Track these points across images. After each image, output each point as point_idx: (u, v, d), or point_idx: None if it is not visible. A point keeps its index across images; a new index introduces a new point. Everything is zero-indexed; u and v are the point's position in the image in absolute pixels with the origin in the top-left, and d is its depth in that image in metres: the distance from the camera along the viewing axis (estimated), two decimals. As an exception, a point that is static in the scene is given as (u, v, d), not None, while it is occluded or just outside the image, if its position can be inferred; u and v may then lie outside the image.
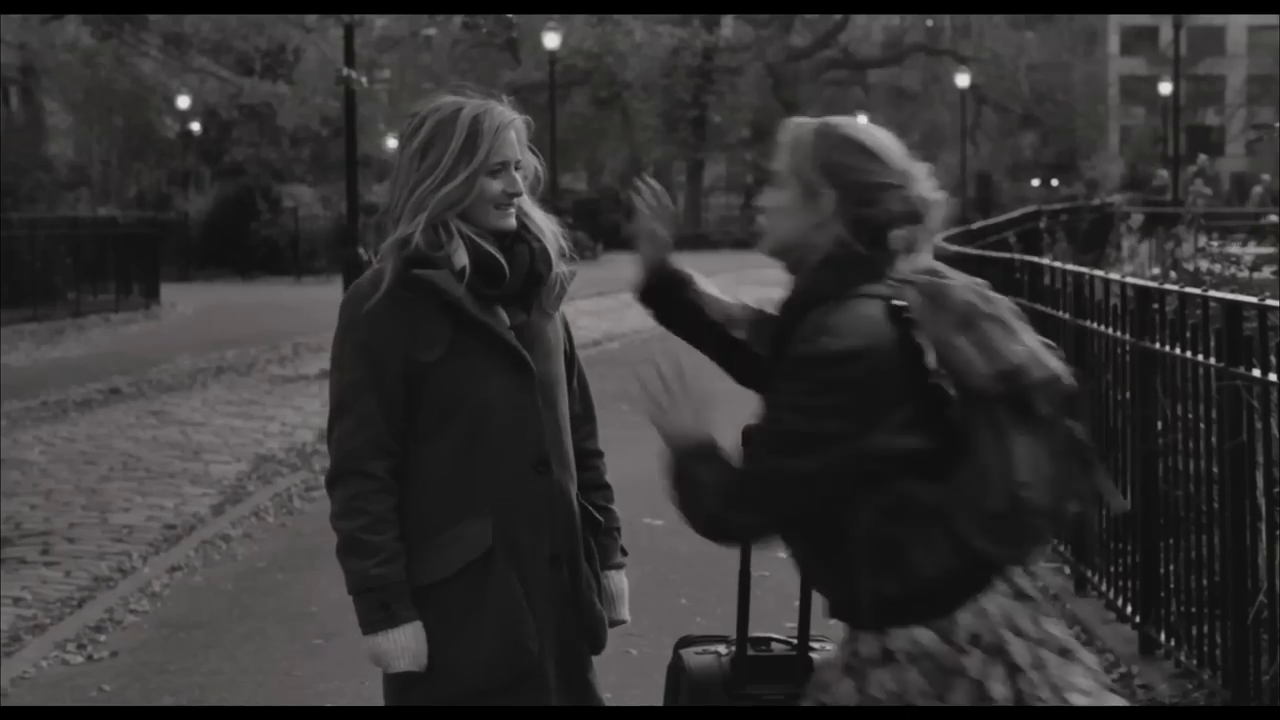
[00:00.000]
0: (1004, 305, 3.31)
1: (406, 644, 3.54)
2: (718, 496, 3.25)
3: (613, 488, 3.89)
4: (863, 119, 3.45)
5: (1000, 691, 3.19)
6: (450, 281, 3.54)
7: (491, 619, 3.54)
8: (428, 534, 3.58)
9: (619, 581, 3.88)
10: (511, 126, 3.68)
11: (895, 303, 3.25)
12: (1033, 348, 3.26)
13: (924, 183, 3.36)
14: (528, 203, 3.70)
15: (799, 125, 3.40)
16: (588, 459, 3.82)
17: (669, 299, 3.69)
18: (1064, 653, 3.29)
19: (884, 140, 3.36)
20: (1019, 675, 3.22)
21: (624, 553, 3.92)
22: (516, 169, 3.66)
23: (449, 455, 3.57)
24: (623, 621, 3.91)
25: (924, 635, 3.22)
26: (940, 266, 3.36)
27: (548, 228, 3.72)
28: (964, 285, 3.29)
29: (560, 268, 3.70)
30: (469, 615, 3.53)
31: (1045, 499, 3.22)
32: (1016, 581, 3.29)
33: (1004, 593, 3.27)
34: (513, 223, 3.65)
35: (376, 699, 6.95)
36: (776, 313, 3.34)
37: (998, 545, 3.22)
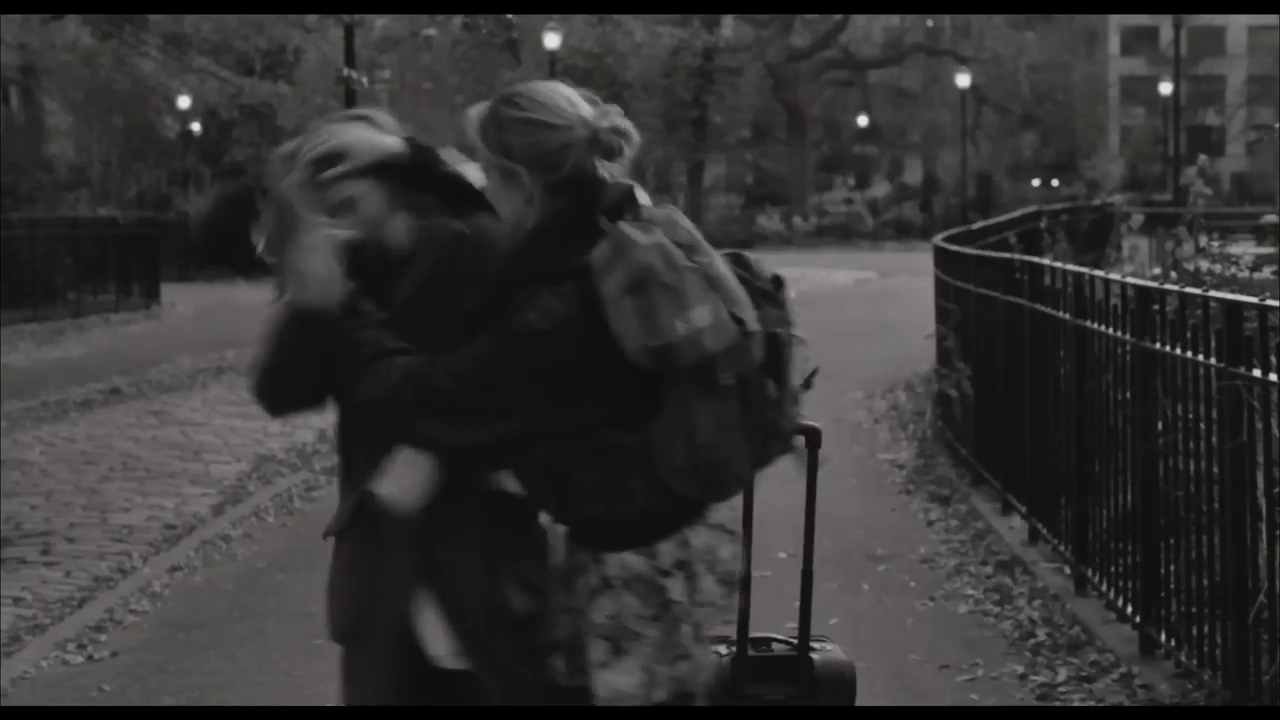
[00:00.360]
0: (691, 272, 3.37)
1: None
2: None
3: None
4: (623, 113, 3.53)
5: (702, 617, 3.53)
6: None
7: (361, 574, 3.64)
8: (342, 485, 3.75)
9: None
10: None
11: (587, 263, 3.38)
12: (710, 318, 3.34)
13: (606, 119, 3.46)
14: None
15: (474, 114, 3.53)
16: None
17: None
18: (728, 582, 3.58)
19: (550, 97, 3.46)
20: (700, 607, 3.52)
21: None
22: None
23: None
24: None
25: (632, 560, 3.46)
26: (671, 211, 3.48)
27: None
28: (654, 245, 3.36)
29: None
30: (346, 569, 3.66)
31: (730, 453, 3.43)
32: (716, 518, 3.55)
33: (709, 525, 3.54)
34: None
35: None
36: (496, 280, 3.44)
37: (690, 489, 3.44)
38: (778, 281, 3.60)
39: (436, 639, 3.57)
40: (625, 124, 3.47)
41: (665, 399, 3.39)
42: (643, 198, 3.49)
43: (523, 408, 3.40)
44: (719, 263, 3.44)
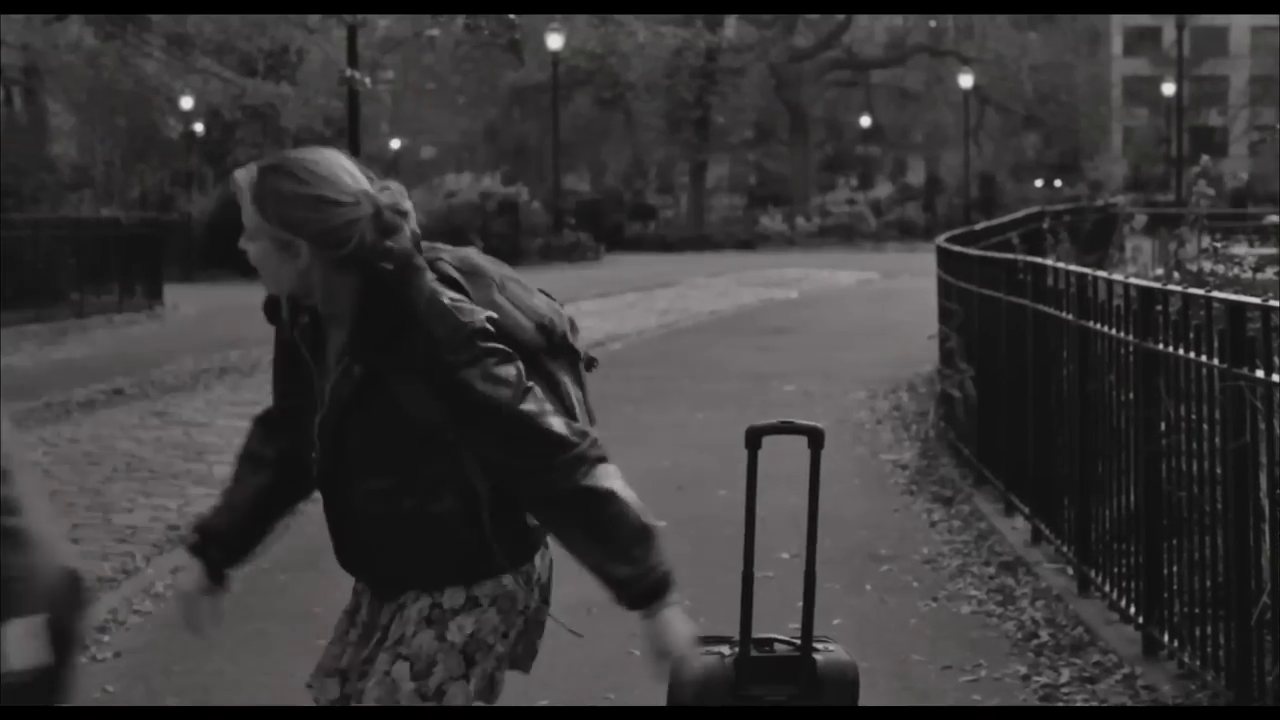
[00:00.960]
0: (507, 267, 3.65)
1: None
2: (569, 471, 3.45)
3: (15, 534, 3.34)
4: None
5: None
6: None
7: None
8: None
9: (11, 633, 3.29)
10: None
11: (454, 279, 3.50)
12: (546, 300, 3.63)
13: (386, 197, 3.42)
14: None
15: (245, 176, 3.45)
16: None
17: (230, 544, 3.95)
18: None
19: (330, 174, 3.40)
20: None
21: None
22: None
23: None
24: (11, 671, 3.34)
25: (509, 580, 3.55)
26: (439, 245, 3.60)
27: None
28: (476, 254, 3.60)
29: None
30: None
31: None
32: None
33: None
34: None
35: (380, 700, 6.89)
36: (358, 342, 3.43)
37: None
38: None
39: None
40: (407, 204, 3.44)
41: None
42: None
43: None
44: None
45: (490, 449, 3.44)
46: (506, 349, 3.42)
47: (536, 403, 3.42)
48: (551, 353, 3.58)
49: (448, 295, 3.41)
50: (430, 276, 3.43)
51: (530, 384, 3.44)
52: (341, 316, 3.47)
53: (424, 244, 3.51)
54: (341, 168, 3.42)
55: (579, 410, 3.59)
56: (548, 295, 3.65)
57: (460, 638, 3.52)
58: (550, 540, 3.63)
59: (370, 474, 3.51)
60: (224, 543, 3.89)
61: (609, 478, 3.45)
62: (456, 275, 3.49)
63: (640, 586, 3.45)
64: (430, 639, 3.51)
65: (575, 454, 3.41)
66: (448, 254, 3.54)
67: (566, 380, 3.60)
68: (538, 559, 3.63)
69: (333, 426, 3.51)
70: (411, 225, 3.44)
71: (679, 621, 3.46)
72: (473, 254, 3.57)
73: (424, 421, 3.41)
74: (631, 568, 3.44)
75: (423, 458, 3.47)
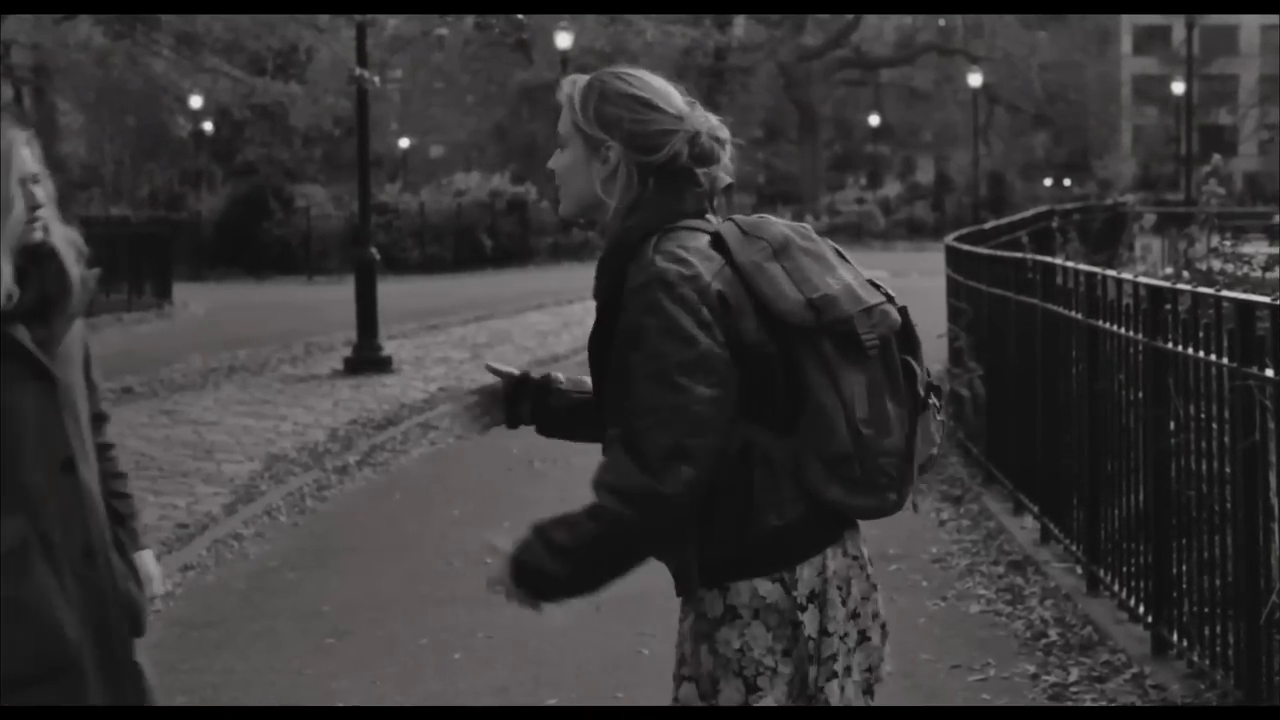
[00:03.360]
0: (826, 245, 3.32)
1: None
2: (630, 490, 3.11)
3: (127, 475, 4.11)
4: (716, 119, 3.46)
5: (839, 652, 3.24)
6: None
7: (31, 612, 3.63)
8: None
9: (149, 561, 4.06)
10: (25, 142, 3.82)
11: (717, 231, 3.27)
12: (850, 282, 3.25)
13: (706, 123, 3.35)
14: (50, 214, 3.79)
15: (573, 82, 3.41)
16: (103, 452, 4.01)
17: (546, 409, 3.66)
18: (876, 618, 3.35)
19: (658, 87, 3.37)
20: (826, 639, 3.23)
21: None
22: (36, 183, 3.78)
23: None
24: (157, 596, 4.07)
25: (765, 587, 3.21)
26: (760, 217, 3.37)
27: (63, 237, 3.82)
28: (781, 221, 3.33)
29: (78, 271, 3.80)
30: (8, 608, 3.61)
31: (890, 438, 3.23)
32: (853, 541, 3.32)
33: (844, 552, 3.29)
34: (39, 236, 3.75)
35: (388, 698, 6.96)
36: (601, 262, 3.30)
37: (850, 494, 3.21)
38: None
39: None
40: (725, 133, 3.37)
41: (809, 380, 3.19)
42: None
43: (719, 352, 3.17)
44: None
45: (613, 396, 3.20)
46: (686, 314, 3.12)
47: (672, 393, 3.09)
48: (837, 342, 3.20)
49: (676, 240, 3.23)
50: (696, 224, 3.27)
51: (693, 371, 3.10)
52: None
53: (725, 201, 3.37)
54: (672, 89, 3.38)
55: (865, 411, 3.19)
56: (875, 284, 3.31)
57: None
58: None
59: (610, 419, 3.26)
60: (549, 407, 3.67)
61: (626, 522, 3.12)
62: (728, 232, 3.25)
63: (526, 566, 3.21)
64: None
65: (638, 482, 3.09)
66: (743, 217, 3.32)
67: (854, 376, 3.19)
68: None
69: (594, 372, 3.34)
70: (725, 158, 3.35)
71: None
72: (770, 220, 3.31)
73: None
74: (545, 550, 3.19)
75: None
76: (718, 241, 3.25)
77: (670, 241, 3.23)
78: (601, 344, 3.27)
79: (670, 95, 3.36)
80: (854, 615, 3.30)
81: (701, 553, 3.21)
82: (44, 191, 3.80)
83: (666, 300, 3.14)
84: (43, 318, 3.75)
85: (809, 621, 3.22)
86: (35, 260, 3.73)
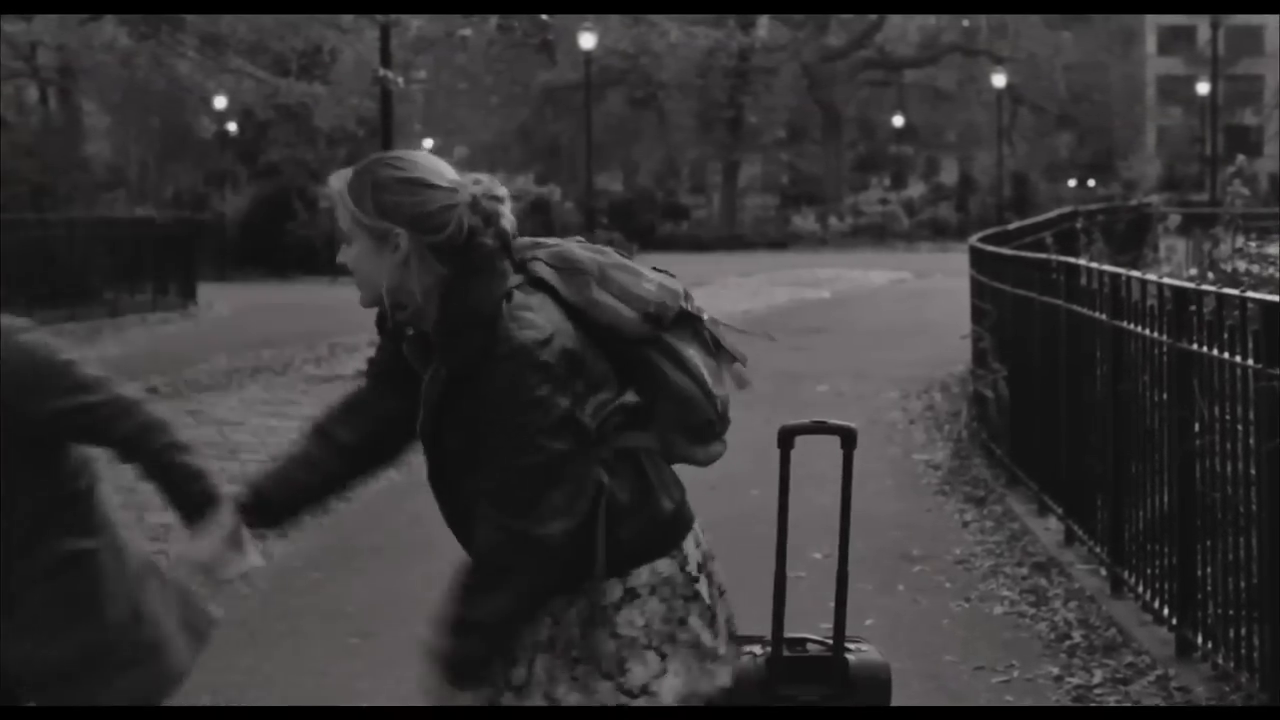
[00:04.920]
0: (615, 253, 3.52)
1: None
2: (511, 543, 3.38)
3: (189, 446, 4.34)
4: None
5: (724, 613, 3.53)
6: None
7: None
8: None
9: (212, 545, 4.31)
10: None
11: (543, 279, 3.41)
12: (657, 279, 3.48)
13: (480, 186, 3.41)
14: None
15: (341, 178, 3.46)
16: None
17: (280, 506, 4.10)
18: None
19: (426, 164, 3.43)
20: (721, 598, 3.54)
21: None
22: None
23: None
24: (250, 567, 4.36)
25: (663, 564, 3.45)
26: (544, 239, 3.53)
27: None
28: (579, 246, 3.50)
29: None
30: None
31: (723, 391, 3.55)
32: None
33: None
34: None
35: (413, 698, 6.96)
36: (452, 337, 3.39)
37: (707, 450, 3.52)
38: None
39: None
40: (502, 190, 3.42)
41: (657, 369, 3.45)
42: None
43: (570, 410, 3.39)
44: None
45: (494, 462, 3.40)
46: (545, 381, 3.31)
47: (535, 453, 3.32)
48: (670, 331, 3.46)
49: (518, 302, 3.34)
50: (514, 280, 3.38)
51: (554, 433, 3.32)
52: (432, 319, 3.43)
53: (525, 239, 3.47)
54: (437, 161, 3.44)
55: (710, 378, 3.48)
56: (664, 273, 3.53)
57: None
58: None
59: (473, 474, 3.45)
60: (269, 510, 4.06)
61: (518, 570, 3.40)
62: (548, 275, 3.41)
63: None
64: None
65: (520, 527, 3.36)
66: (545, 252, 3.46)
67: (692, 352, 3.47)
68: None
69: (431, 430, 3.48)
70: (507, 213, 3.41)
71: None
72: (573, 249, 3.47)
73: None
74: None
75: None
76: (543, 286, 3.40)
77: (515, 308, 3.34)
78: (454, 403, 3.41)
79: (441, 169, 3.42)
80: (709, 573, 3.55)
81: (610, 549, 3.40)
82: None
83: (528, 371, 3.29)
84: None
85: (704, 590, 3.49)
86: None
